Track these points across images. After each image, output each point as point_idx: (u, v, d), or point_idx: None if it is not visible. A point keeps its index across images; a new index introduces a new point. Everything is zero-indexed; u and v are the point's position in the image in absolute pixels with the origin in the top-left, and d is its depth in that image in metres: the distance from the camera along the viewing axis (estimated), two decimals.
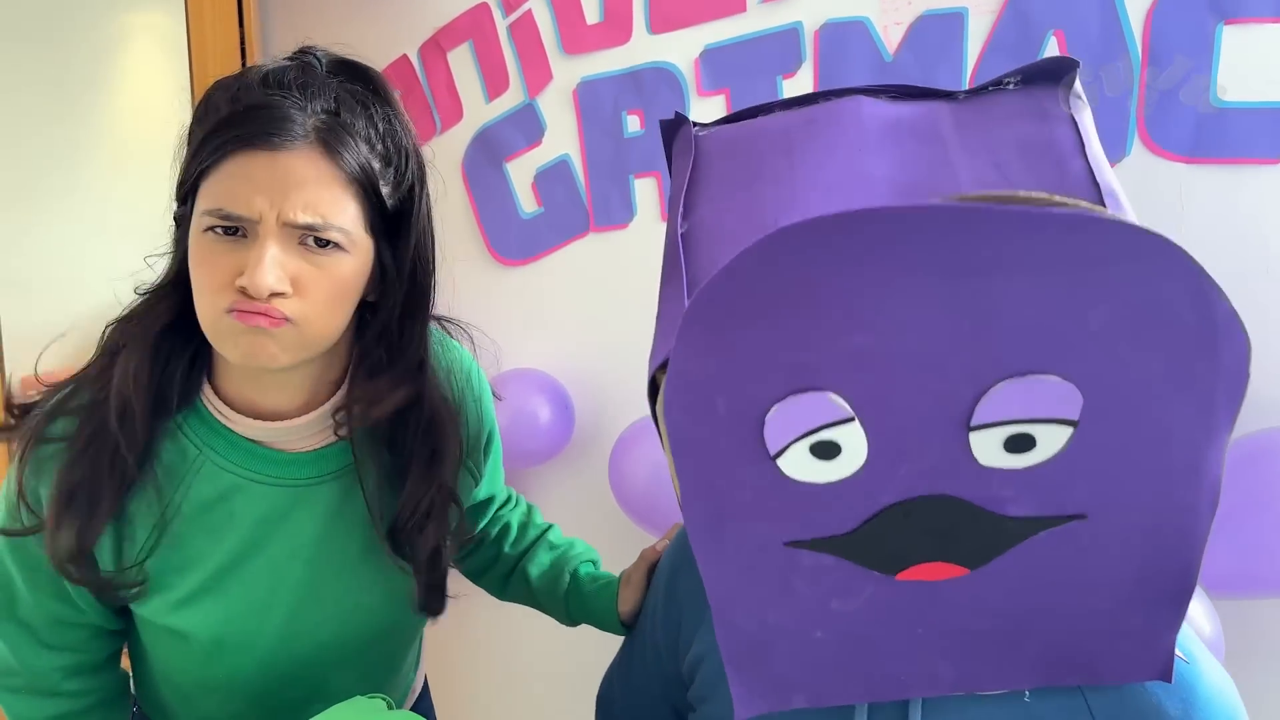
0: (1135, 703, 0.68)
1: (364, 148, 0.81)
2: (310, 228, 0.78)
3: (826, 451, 0.59)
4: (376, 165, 0.82)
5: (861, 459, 0.59)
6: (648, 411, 1.18)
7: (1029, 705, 0.69)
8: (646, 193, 1.57)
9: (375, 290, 0.86)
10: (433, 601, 0.96)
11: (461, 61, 1.65)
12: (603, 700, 1.01)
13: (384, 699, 0.83)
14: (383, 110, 0.84)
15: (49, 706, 0.93)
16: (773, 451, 0.60)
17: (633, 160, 1.56)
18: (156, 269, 0.88)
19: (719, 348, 0.58)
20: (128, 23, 5.22)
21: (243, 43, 1.81)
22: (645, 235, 1.57)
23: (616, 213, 1.58)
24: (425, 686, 1.18)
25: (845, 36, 1.40)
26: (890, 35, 1.38)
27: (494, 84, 1.63)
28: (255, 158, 0.77)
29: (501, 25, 1.61)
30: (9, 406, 0.85)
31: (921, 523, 0.61)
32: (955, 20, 1.34)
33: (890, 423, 0.58)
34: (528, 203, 1.64)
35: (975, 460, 0.59)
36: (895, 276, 0.55)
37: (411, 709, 1.12)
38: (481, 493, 1.05)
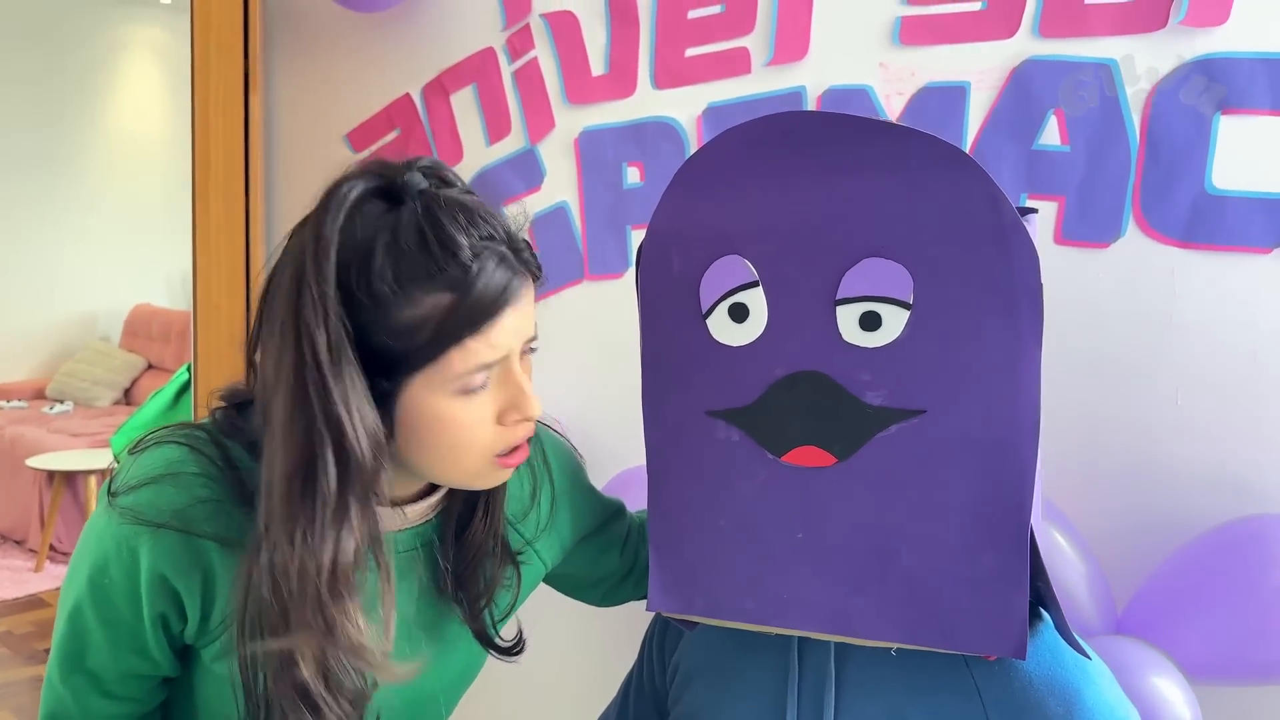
0: (1022, 696, 0.77)
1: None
2: (534, 338, 0.83)
3: (739, 314, 0.78)
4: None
5: (763, 324, 0.78)
6: (638, 460, 1.16)
7: (929, 696, 0.79)
8: None
9: None
10: (496, 645, 0.97)
11: (464, 104, 1.65)
12: None
13: None
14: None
15: None
16: (704, 309, 0.79)
17: (631, 211, 1.56)
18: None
19: (682, 211, 0.80)
20: (124, 34, 5.20)
21: (246, 75, 1.80)
22: None
23: (612, 262, 1.58)
24: None
25: (847, 103, 1.42)
26: (892, 104, 1.40)
27: (496, 128, 1.64)
28: (507, 312, 0.79)
29: (506, 71, 1.61)
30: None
31: (802, 398, 0.77)
32: (957, 94, 1.36)
33: (782, 292, 0.77)
34: None
35: (840, 335, 0.75)
36: (788, 168, 0.75)
37: None
38: (586, 525, 1.07)
